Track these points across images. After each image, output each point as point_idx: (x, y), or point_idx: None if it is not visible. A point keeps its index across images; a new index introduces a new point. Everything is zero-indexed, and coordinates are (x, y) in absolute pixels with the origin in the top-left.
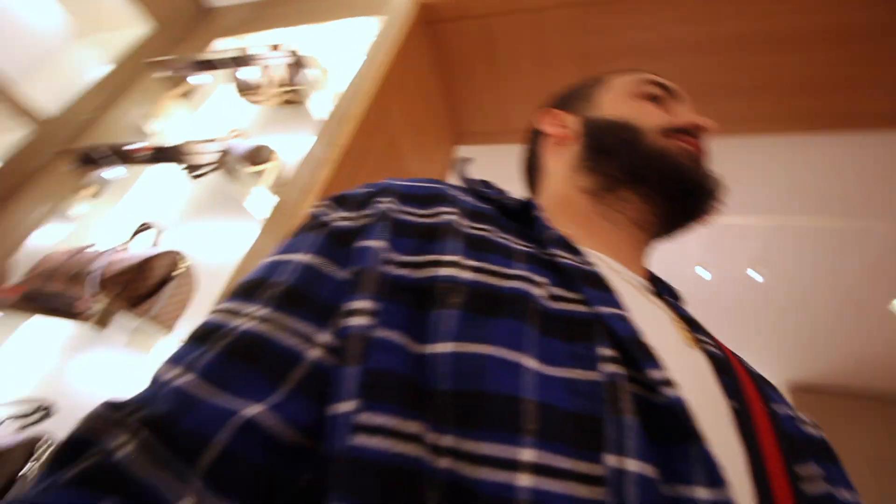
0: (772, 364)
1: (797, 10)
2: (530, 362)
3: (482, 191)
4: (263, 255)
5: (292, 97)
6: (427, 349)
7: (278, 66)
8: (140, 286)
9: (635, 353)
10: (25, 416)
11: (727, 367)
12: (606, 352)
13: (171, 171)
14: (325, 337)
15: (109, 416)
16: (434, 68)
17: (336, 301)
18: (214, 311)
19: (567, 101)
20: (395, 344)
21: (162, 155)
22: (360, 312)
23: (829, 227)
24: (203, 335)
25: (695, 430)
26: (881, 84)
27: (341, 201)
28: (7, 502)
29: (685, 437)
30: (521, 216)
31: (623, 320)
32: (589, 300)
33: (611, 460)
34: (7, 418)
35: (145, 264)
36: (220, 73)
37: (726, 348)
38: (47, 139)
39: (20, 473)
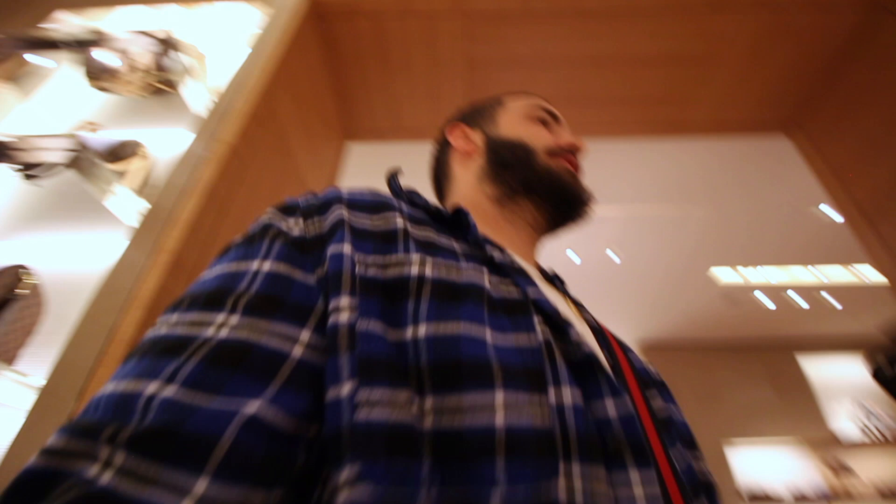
0: (627, 326)
1: (644, 36)
2: (489, 334)
3: (413, 198)
4: (134, 269)
5: (160, 85)
6: (407, 333)
7: (142, 50)
8: None
9: (559, 323)
10: None
11: (602, 334)
12: (539, 324)
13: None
14: (305, 335)
15: (76, 445)
16: (325, 64)
17: (310, 303)
18: (173, 325)
19: (471, 117)
20: (376, 333)
21: None
22: (342, 309)
23: (663, 214)
24: (171, 348)
25: (602, 366)
26: (701, 99)
27: (289, 211)
28: None
29: (596, 372)
30: (445, 220)
31: (546, 301)
32: (521, 287)
33: (552, 394)
34: None
35: None
36: (62, 55)
37: (599, 321)
38: None
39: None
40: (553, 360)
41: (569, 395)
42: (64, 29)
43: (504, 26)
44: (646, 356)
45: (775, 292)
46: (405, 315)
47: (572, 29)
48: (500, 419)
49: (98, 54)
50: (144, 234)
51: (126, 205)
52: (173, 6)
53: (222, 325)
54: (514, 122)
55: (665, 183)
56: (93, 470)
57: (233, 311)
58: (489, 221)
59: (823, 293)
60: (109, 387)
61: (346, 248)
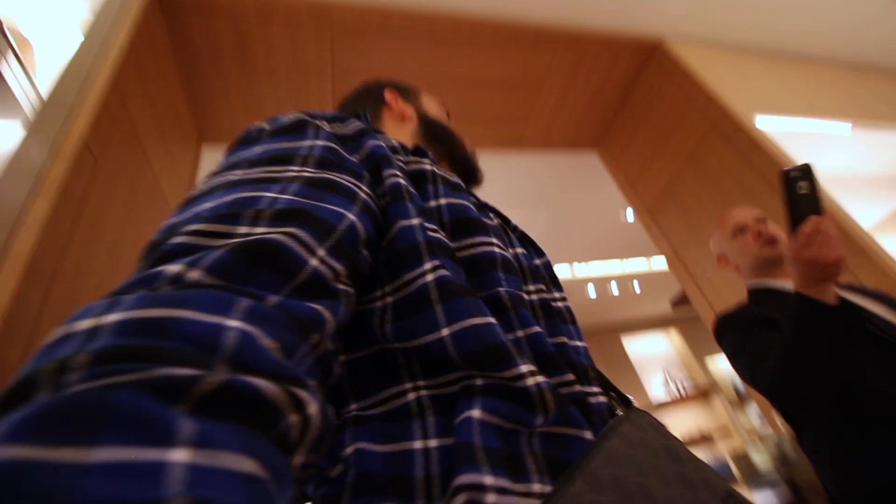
0: None
1: (486, 62)
2: (475, 210)
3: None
4: None
5: None
6: (431, 203)
7: None
8: None
9: (502, 216)
10: None
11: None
12: (492, 213)
13: None
14: (364, 185)
15: (213, 227)
16: (177, 63)
17: (359, 169)
18: (242, 174)
19: (402, 92)
20: (418, 195)
21: None
22: (395, 176)
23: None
24: (260, 180)
25: (531, 240)
26: (532, 119)
27: (316, 118)
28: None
29: (527, 243)
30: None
31: (494, 207)
32: (475, 196)
33: (510, 249)
34: None
35: None
36: None
37: None
38: None
39: None
40: (507, 233)
41: (520, 250)
42: None
43: (367, 39)
44: None
45: (600, 283)
46: (427, 192)
47: (427, 50)
48: (497, 250)
49: None
50: None
51: None
52: None
53: (301, 171)
54: (435, 109)
55: (511, 190)
56: (235, 239)
57: (305, 164)
58: None
59: (635, 282)
60: (209, 204)
61: (379, 141)
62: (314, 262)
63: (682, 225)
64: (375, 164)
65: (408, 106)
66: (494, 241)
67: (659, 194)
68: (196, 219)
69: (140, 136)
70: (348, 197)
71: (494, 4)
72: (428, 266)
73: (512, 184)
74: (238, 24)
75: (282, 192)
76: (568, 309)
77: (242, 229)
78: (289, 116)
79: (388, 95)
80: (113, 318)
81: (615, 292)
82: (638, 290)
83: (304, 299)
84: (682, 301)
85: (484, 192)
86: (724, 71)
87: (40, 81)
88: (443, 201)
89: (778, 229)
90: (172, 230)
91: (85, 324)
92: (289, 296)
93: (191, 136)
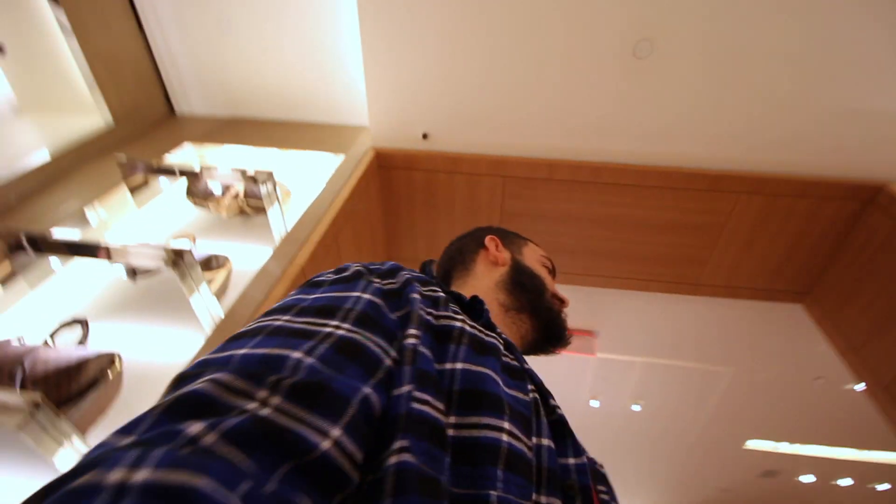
0: (655, 490)
1: (655, 208)
2: (501, 383)
3: (440, 285)
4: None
5: (247, 209)
6: (447, 365)
7: (239, 182)
8: (68, 387)
9: (543, 391)
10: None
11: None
12: (531, 387)
13: (102, 267)
14: (392, 352)
15: (241, 385)
16: (381, 202)
17: (395, 329)
18: (287, 321)
19: (503, 238)
20: (429, 357)
21: (86, 250)
22: (411, 336)
23: (688, 367)
24: (298, 333)
25: (570, 431)
26: (713, 263)
27: (370, 272)
28: (173, 460)
29: (567, 434)
30: (465, 307)
31: (535, 373)
32: (519, 360)
33: (534, 439)
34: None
35: (80, 366)
36: (174, 179)
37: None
38: None
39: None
40: (538, 415)
41: (546, 442)
42: (182, 159)
43: (533, 188)
44: None
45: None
46: (447, 353)
47: (590, 194)
48: (505, 438)
49: (203, 181)
50: (218, 338)
51: (206, 307)
52: (273, 149)
53: (338, 328)
54: (533, 260)
55: (687, 338)
56: (252, 405)
57: (344, 320)
58: (493, 319)
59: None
60: (243, 351)
61: (417, 296)
62: (326, 444)
63: None
64: (407, 319)
65: (505, 252)
66: (506, 425)
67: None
68: (226, 365)
69: (343, 260)
70: (370, 368)
71: (665, 153)
72: (395, 446)
73: (685, 331)
74: (429, 174)
75: (308, 354)
76: None
77: (261, 394)
78: (350, 269)
79: (488, 240)
80: (140, 476)
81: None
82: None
83: (305, 485)
84: None
85: (661, 340)
86: None
87: (290, 220)
88: (459, 366)
89: None
90: (204, 367)
91: (115, 477)
92: (283, 480)
93: (380, 257)
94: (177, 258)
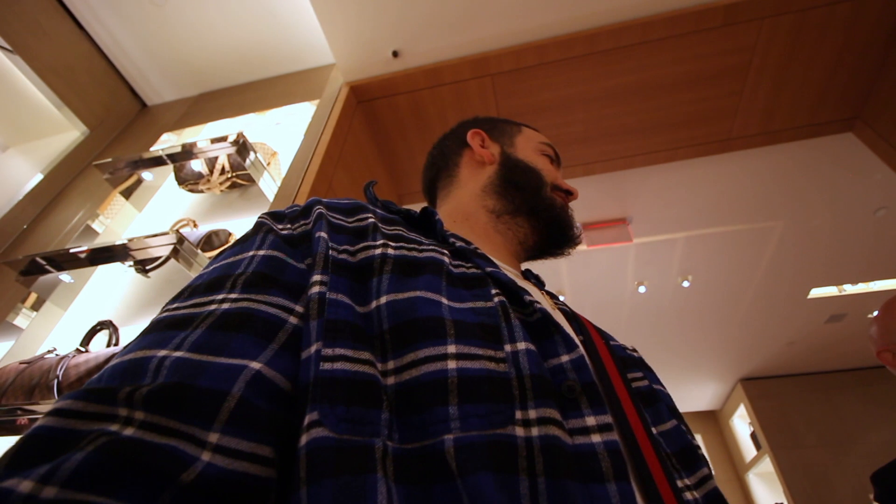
0: (721, 360)
1: (666, 64)
2: (444, 300)
3: (388, 206)
4: None
5: (239, 181)
6: (371, 306)
7: (221, 155)
8: None
9: (515, 290)
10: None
11: (576, 317)
12: (495, 291)
13: (119, 270)
14: (300, 308)
15: (94, 408)
16: (372, 138)
17: (303, 282)
18: (174, 309)
19: (491, 130)
20: (344, 302)
21: (104, 255)
22: (316, 283)
23: (733, 231)
24: (176, 323)
25: (557, 324)
26: (744, 111)
27: (278, 217)
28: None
29: (552, 331)
30: (421, 223)
31: (502, 273)
32: (479, 266)
33: (507, 347)
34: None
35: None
36: (162, 169)
37: (580, 315)
38: None
39: None
40: (509, 321)
41: (522, 346)
42: (161, 149)
43: (525, 79)
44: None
45: None
46: (370, 291)
47: (590, 68)
48: (452, 365)
49: (188, 165)
50: None
51: None
52: (250, 115)
53: (224, 301)
54: (529, 150)
55: (727, 200)
56: (114, 426)
57: (232, 289)
58: (479, 231)
59: None
60: (115, 360)
61: (324, 234)
62: (205, 455)
63: None
64: (313, 265)
65: (493, 146)
66: (451, 349)
67: None
68: (98, 382)
69: None
70: (265, 334)
71: None
72: (305, 422)
73: (729, 192)
74: (412, 95)
75: (177, 347)
76: (612, 450)
77: (122, 412)
78: (256, 221)
79: (471, 136)
80: None
81: None
82: None
83: None
84: None
85: (699, 209)
86: None
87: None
88: (384, 300)
89: None
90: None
91: None
92: None
93: (389, 197)
94: (176, 246)
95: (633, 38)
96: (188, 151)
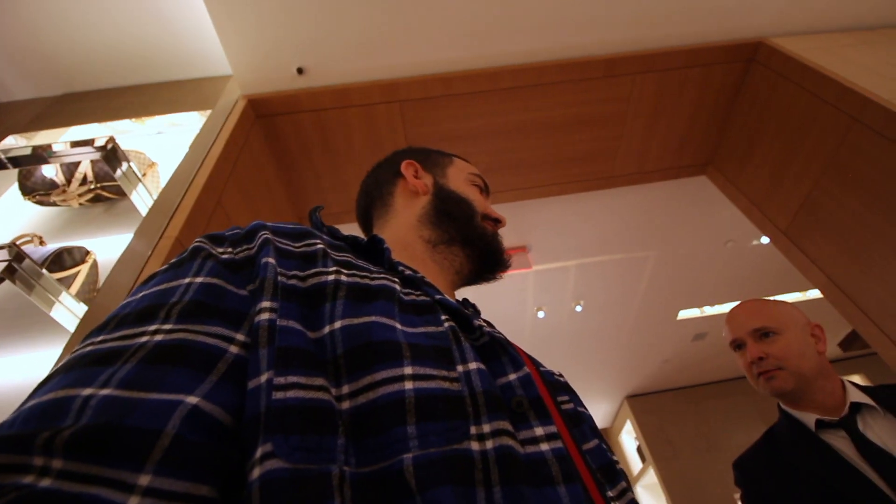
0: (610, 379)
1: (558, 106)
2: (398, 325)
3: (334, 232)
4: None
5: (105, 193)
6: (324, 331)
7: (84, 162)
8: None
9: (464, 316)
10: None
11: (510, 344)
12: (445, 317)
13: None
14: (241, 337)
15: (4, 459)
16: (271, 155)
17: (244, 308)
18: (100, 342)
19: (424, 160)
20: (295, 328)
21: None
22: (265, 310)
23: (616, 259)
24: (103, 358)
25: (503, 346)
26: (623, 152)
27: (217, 240)
28: None
29: (500, 352)
30: (367, 251)
31: (450, 300)
32: (428, 293)
33: (460, 367)
34: None
35: None
36: (2, 176)
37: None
38: None
39: None
40: (459, 343)
41: (474, 366)
42: (7, 148)
43: (432, 108)
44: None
45: None
46: (323, 316)
47: (492, 104)
48: (409, 386)
49: (36, 170)
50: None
51: (70, 311)
52: (126, 121)
53: (157, 332)
54: (461, 181)
55: (609, 232)
56: (28, 478)
57: (166, 319)
58: (416, 260)
59: None
60: (32, 402)
61: (271, 260)
62: (134, 500)
63: (837, 247)
64: (260, 291)
65: (426, 177)
66: (408, 370)
67: (797, 214)
68: (10, 429)
69: (234, 223)
70: (202, 367)
71: (557, 46)
72: (257, 454)
73: (607, 225)
74: (317, 114)
75: (104, 385)
76: (560, 456)
77: (37, 461)
78: (193, 245)
79: (404, 166)
80: None
81: None
82: None
83: None
84: (852, 341)
85: (588, 240)
86: (848, 55)
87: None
88: (338, 325)
89: (786, 347)
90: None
91: None
92: None
93: (289, 220)
94: (10, 265)
95: (529, 79)
96: (39, 155)
